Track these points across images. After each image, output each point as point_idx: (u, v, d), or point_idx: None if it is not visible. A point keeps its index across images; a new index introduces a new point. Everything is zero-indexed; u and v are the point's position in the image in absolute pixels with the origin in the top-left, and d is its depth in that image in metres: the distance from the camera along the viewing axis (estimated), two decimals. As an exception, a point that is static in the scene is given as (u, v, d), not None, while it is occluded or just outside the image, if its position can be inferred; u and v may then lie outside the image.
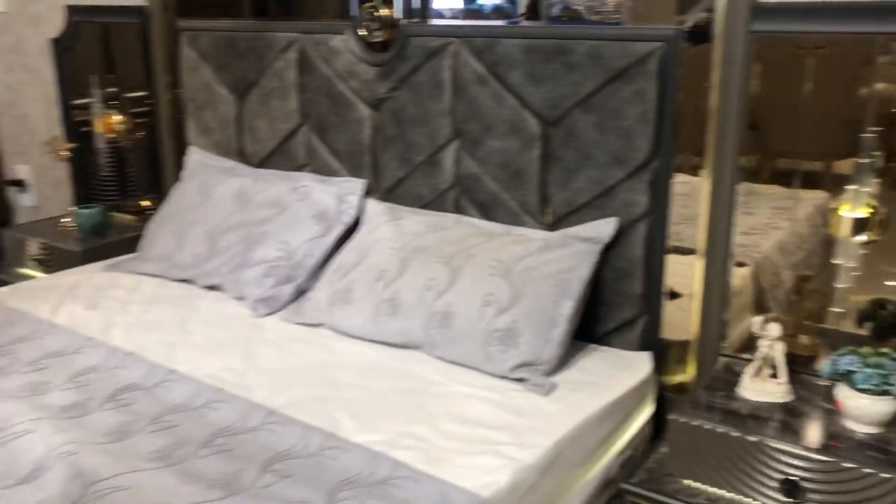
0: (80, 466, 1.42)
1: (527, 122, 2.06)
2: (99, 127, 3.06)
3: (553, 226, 2.06)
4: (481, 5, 2.29)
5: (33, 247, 2.94)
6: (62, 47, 3.15)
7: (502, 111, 2.09)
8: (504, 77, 2.07)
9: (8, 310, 2.21)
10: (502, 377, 1.81)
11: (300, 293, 2.27)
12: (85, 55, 3.15)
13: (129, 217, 3.11)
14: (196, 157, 2.73)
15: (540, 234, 2.03)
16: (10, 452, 1.49)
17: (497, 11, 2.25)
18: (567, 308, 1.85)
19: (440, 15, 2.35)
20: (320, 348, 2.00)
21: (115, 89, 3.08)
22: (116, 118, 3.05)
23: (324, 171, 2.49)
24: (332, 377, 1.84)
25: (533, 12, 2.15)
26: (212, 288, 2.37)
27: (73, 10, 3.07)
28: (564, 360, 1.88)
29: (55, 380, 1.79)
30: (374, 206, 2.31)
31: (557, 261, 1.90)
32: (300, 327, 2.13)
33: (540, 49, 2.00)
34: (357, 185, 2.40)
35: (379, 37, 2.24)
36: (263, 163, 2.63)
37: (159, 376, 1.80)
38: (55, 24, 3.21)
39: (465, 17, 2.34)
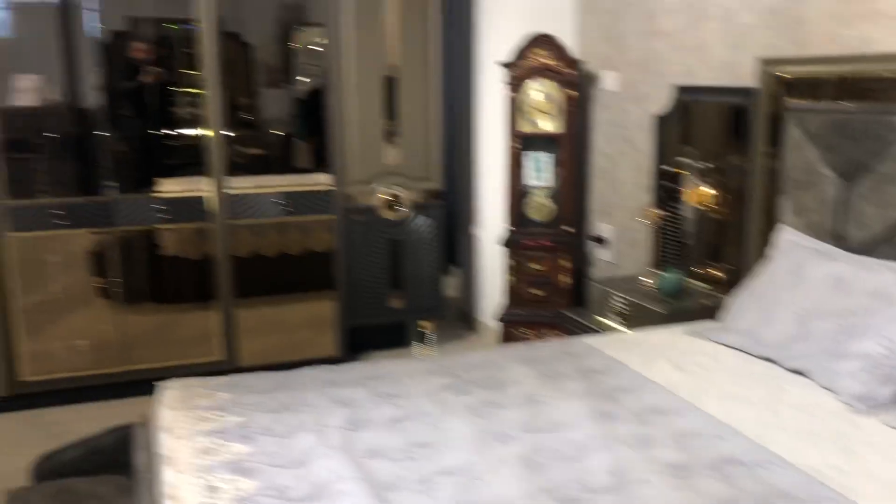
0: (698, 529, 1.50)
1: None
2: (688, 197, 3.26)
3: None
4: None
5: (616, 300, 3.25)
6: (664, 123, 3.45)
7: None
8: None
9: (607, 358, 2.48)
10: None
11: (903, 397, 2.09)
12: (678, 130, 3.40)
13: (702, 284, 3.24)
14: (788, 236, 2.71)
15: None
16: (632, 497, 1.64)
17: None
18: None
19: None
20: (935, 466, 1.80)
21: (703, 163, 3.24)
22: (705, 190, 3.20)
23: (942, 266, 2.26)
24: (955, 504, 1.64)
25: None
26: (796, 372, 2.32)
27: (681, 89, 3.34)
28: None
29: (659, 436, 1.93)
30: None
31: None
32: (906, 436, 1.95)
33: None
34: None
35: None
36: (866, 250, 2.49)
37: (759, 456, 1.81)
38: (658, 102, 3.54)
39: None
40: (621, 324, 3.21)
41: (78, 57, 4.35)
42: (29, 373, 3.62)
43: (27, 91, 4.09)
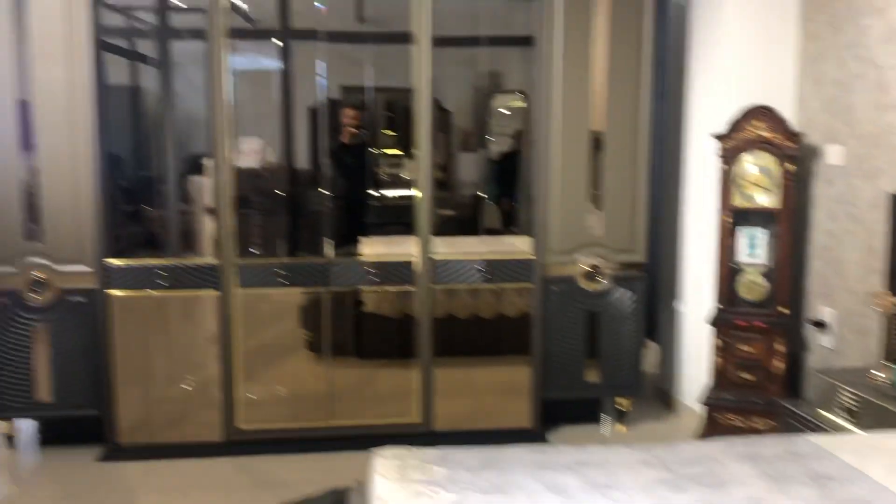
0: None
1: None
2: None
3: None
4: None
5: (844, 394, 2.97)
6: (902, 202, 3.16)
7: None
8: None
9: (841, 463, 2.25)
10: None
11: None
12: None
13: (946, 384, 2.90)
14: None
15: None
16: None
17: None
18: None
19: None
20: None
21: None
22: (951, 278, 2.89)
23: None
24: None
25: None
26: None
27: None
28: None
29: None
30: None
31: None
32: None
33: None
34: None
35: None
36: None
37: None
38: (893, 179, 3.25)
39: None
40: (849, 421, 2.92)
41: (295, 122, 4.69)
42: (243, 420, 3.87)
43: (250, 153, 4.46)
